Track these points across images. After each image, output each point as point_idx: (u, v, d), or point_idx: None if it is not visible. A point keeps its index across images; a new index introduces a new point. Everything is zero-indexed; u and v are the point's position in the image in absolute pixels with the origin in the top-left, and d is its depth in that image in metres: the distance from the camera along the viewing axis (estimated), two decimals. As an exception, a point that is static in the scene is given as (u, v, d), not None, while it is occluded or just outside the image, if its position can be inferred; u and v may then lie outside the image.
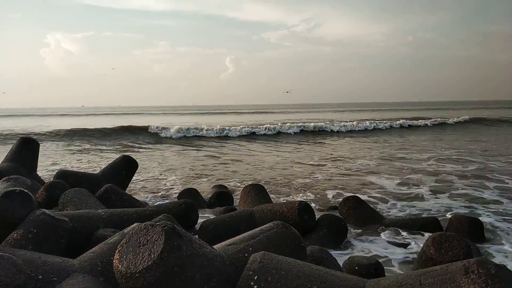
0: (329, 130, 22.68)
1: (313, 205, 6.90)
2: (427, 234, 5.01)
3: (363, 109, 64.59)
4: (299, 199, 7.27)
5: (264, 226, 3.17)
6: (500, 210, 6.58)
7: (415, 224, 5.31)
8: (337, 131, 22.47)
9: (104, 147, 17.04)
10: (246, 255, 2.80)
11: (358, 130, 23.51)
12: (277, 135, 20.88)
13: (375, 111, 55.59)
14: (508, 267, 4.18)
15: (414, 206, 6.97)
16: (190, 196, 6.20)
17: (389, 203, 7.22)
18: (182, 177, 10.01)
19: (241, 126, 21.99)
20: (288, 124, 23.57)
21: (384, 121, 27.39)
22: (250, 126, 22.26)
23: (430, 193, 7.98)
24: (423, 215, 6.26)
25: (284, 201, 6.79)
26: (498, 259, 4.43)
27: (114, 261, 2.20)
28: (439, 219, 5.51)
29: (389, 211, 6.65)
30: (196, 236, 4.72)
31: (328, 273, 2.42)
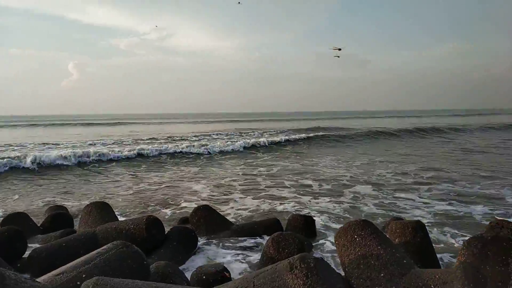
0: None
1: (167, 217, 6.79)
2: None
3: (220, 120, 66.61)
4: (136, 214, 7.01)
5: (102, 248, 2.93)
6: (313, 205, 7.71)
7: (260, 227, 5.67)
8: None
9: None
10: (78, 283, 2.54)
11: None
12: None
13: (227, 122, 57.81)
14: (330, 256, 4.84)
15: (231, 208, 7.65)
16: (17, 222, 5.33)
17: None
18: (9, 201, 8.58)
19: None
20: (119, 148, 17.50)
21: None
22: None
23: (241, 195, 8.85)
24: (262, 218, 6.75)
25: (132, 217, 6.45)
26: (325, 250, 5.09)
27: None
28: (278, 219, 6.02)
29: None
30: (25, 275, 4.08)
31: (168, 289, 2.37)
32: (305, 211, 7.19)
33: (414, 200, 7.95)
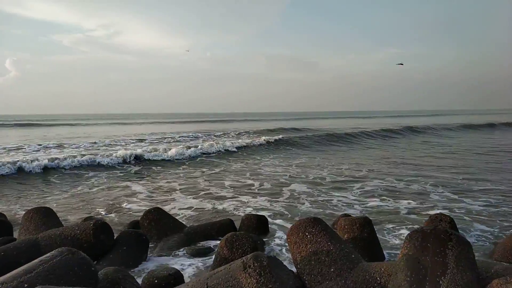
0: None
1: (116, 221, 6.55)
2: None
3: (172, 120, 64.84)
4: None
5: (45, 255, 2.78)
6: (254, 204, 7.92)
7: (213, 228, 5.65)
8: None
9: None
10: (20, 294, 2.38)
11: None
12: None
13: (178, 123, 56.25)
14: (283, 252, 4.91)
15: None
16: None
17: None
18: None
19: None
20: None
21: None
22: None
23: (181, 195, 8.95)
24: (214, 218, 6.75)
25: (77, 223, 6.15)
26: (278, 247, 5.17)
27: None
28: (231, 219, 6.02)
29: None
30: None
31: (118, 295, 2.29)
32: (246, 209, 7.34)
33: (347, 197, 8.33)
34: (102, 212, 7.42)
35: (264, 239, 5.40)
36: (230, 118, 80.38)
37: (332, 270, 3.15)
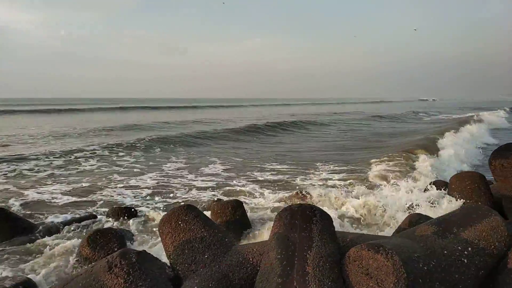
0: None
1: None
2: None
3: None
4: None
5: None
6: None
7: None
8: None
9: None
10: None
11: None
12: None
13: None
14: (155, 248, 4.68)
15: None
16: None
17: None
18: None
19: None
20: None
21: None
22: None
23: None
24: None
25: None
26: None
27: None
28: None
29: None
30: None
31: None
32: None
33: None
34: None
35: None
36: (96, 105, 65.59)
37: (206, 256, 3.09)
